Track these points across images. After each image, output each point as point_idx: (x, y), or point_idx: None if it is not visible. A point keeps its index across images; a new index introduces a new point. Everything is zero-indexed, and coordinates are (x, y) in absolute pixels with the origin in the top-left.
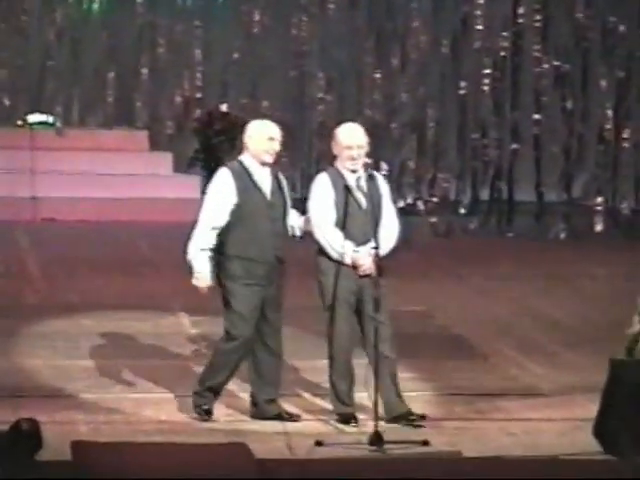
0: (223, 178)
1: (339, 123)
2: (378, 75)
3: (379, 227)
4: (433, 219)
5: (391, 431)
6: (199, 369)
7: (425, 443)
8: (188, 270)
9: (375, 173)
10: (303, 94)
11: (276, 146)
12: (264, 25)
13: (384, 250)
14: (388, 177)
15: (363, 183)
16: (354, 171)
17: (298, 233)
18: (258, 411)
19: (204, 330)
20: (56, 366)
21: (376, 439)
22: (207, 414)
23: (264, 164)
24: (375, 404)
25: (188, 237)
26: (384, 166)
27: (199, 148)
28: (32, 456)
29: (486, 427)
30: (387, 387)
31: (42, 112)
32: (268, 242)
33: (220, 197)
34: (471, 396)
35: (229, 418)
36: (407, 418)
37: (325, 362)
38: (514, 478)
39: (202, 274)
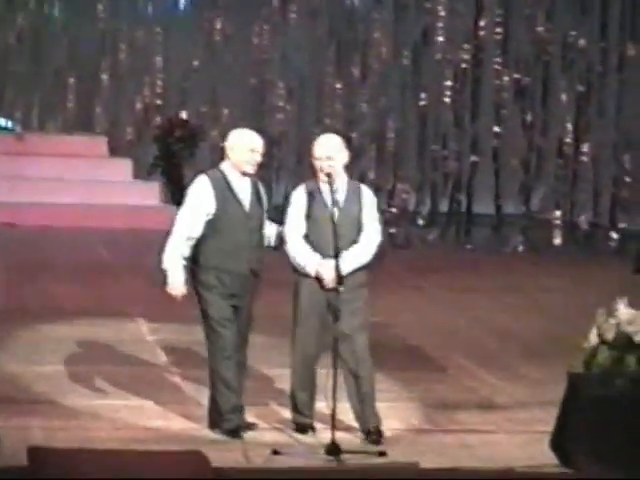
0: (201, 186)
1: (300, 132)
2: (339, 85)
3: (350, 240)
4: (392, 230)
5: (349, 441)
6: (156, 376)
7: (382, 454)
8: (162, 279)
9: (361, 186)
10: (263, 102)
11: (258, 157)
12: (225, 33)
13: (349, 264)
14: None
15: (340, 195)
16: (329, 183)
17: (273, 243)
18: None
19: (162, 336)
20: (13, 372)
21: (333, 449)
22: (241, 429)
23: (245, 174)
24: (332, 413)
25: (151, 244)
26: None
27: (159, 155)
28: None
29: (443, 439)
30: (351, 398)
31: (2, 117)
32: (244, 254)
33: (197, 205)
34: (428, 407)
35: (186, 426)
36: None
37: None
38: None
39: (176, 283)
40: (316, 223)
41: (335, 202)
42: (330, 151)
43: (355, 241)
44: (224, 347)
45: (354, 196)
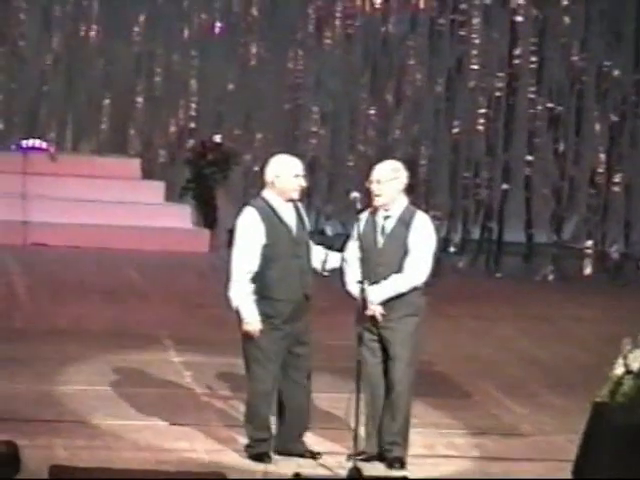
0: (251, 218)
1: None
2: (372, 111)
3: (395, 267)
4: None
5: (370, 466)
6: (181, 398)
7: (405, 479)
8: (236, 317)
9: (417, 212)
10: (297, 127)
11: (302, 182)
12: (260, 57)
13: (383, 291)
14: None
15: (391, 221)
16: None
17: (321, 268)
18: (282, 445)
19: (189, 359)
20: (38, 391)
21: (355, 474)
22: (266, 457)
23: (288, 200)
24: (355, 438)
25: (182, 267)
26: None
27: (191, 178)
28: (10, 479)
29: (465, 465)
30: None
31: (36, 137)
32: (296, 280)
33: (251, 237)
34: (452, 434)
35: (210, 448)
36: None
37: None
38: None
39: (252, 319)
40: (363, 249)
41: (381, 228)
42: (379, 175)
43: (401, 268)
44: (266, 380)
45: (405, 222)
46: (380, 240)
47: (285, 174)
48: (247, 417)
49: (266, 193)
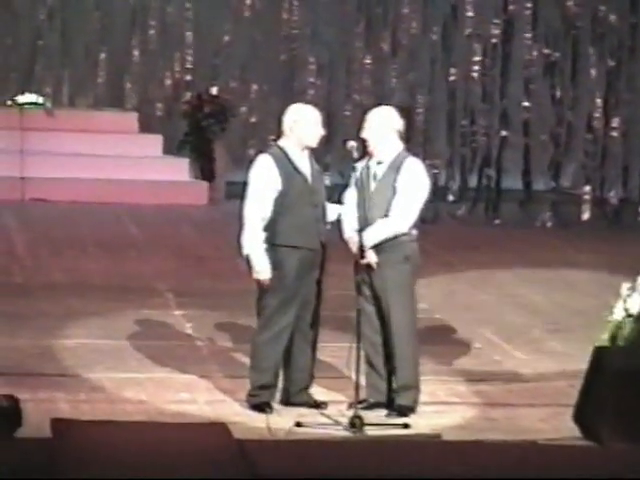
0: (265, 165)
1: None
2: (368, 60)
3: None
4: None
5: (372, 413)
6: (182, 350)
7: (405, 426)
8: (246, 265)
9: (408, 158)
10: (293, 78)
11: (321, 130)
12: (255, 8)
13: (372, 237)
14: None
15: (382, 167)
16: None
17: (326, 221)
18: (286, 397)
19: (189, 311)
20: (39, 345)
21: (356, 421)
22: (267, 406)
23: (305, 149)
24: (356, 387)
25: (181, 219)
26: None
27: (189, 131)
28: (11, 433)
29: (467, 412)
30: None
31: (32, 93)
32: (313, 229)
33: (264, 185)
34: (453, 380)
35: (211, 398)
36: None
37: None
38: (493, 462)
39: (262, 268)
40: (358, 195)
41: (374, 174)
42: (369, 120)
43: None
44: (277, 327)
45: (395, 167)
46: (372, 185)
47: (303, 121)
48: (253, 363)
49: (282, 141)
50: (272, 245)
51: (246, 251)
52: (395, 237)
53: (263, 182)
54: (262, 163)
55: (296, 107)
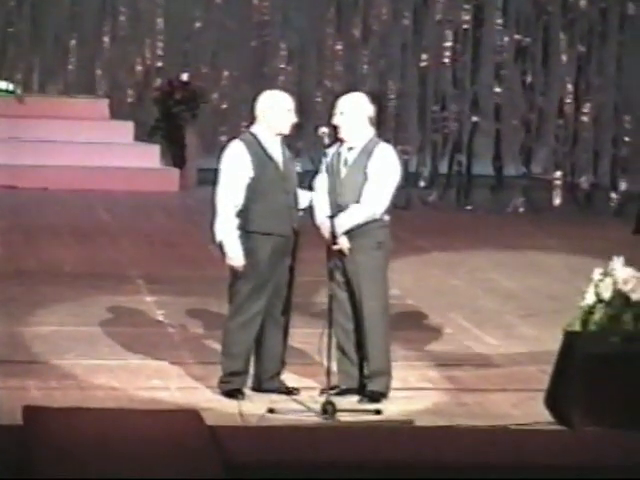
0: (237, 151)
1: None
2: (339, 46)
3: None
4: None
5: (344, 399)
6: (154, 337)
7: (378, 412)
8: (219, 251)
9: (379, 144)
10: (264, 64)
11: (294, 117)
12: None
13: (343, 223)
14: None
15: (353, 153)
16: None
17: (299, 208)
18: (258, 383)
19: (160, 298)
20: (10, 332)
21: (328, 407)
22: (239, 393)
23: (278, 135)
24: (328, 373)
25: (152, 206)
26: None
27: (160, 117)
28: None
29: (439, 397)
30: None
31: (2, 79)
32: (285, 215)
33: (237, 172)
34: (425, 366)
35: (183, 385)
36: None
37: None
38: (465, 447)
39: (236, 254)
40: (329, 181)
41: (344, 160)
42: (341, 106)
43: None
44: (248, 313)
45: (367, 153)
46: (343, 171)
47: (276, 108)
48: (224, 349)
49: (255, 128)
50: (245, 232)
51: (219, 238)
52: (367, 223)
53: (235, 168)
54: (234, 149)
55: (269, 94)
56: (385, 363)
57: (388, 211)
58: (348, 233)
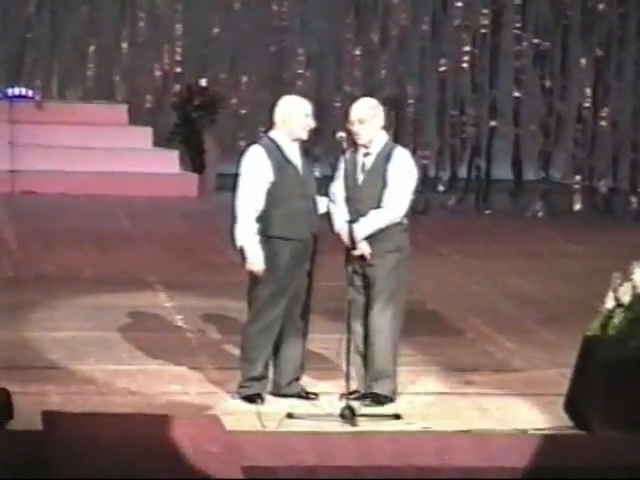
0: (257, 156)
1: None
2: (358, 51)
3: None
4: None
5: (363, 404)
6: (173, 342)
7: (397, 417)
8: (240, 256)
9: (396, 149)
10: (282, 70)
11: (312, 122)
12: (244, 0)
13: (363, 229)
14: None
15: (370, 159)
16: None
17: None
18: (277, 388)
19: (180, 303)
20: (30, 338)
21: (348, 412)
22: (259, 398)
23: (296, 140)
24: (347, 377)
25: (171, 212)
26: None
27: (178, 122)
28: (2, 426)
29: (458, 402)
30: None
31: (21, 85)
32: (304, 221)
33: (257, 177)
34: (444, 371)
35: (203, 390)
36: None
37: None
38: (484, 452)
39: (256, 259)
40: (346, 187)
41: (362, 165)
42: (359, 114)
43: (380, 204)
44: (267, 318)
45: (384, 158)
46: (360, 177)
47: (296, 113)
48: (243, 354)
49: (274, 133)
50: (264, 237)
51: (240, 243)
52: (387, 227)
53: (255, 173)
54: (254, 154)
55: (288, 99)
56: (389, 366)
57: (407, 214)
58: (367, 238)
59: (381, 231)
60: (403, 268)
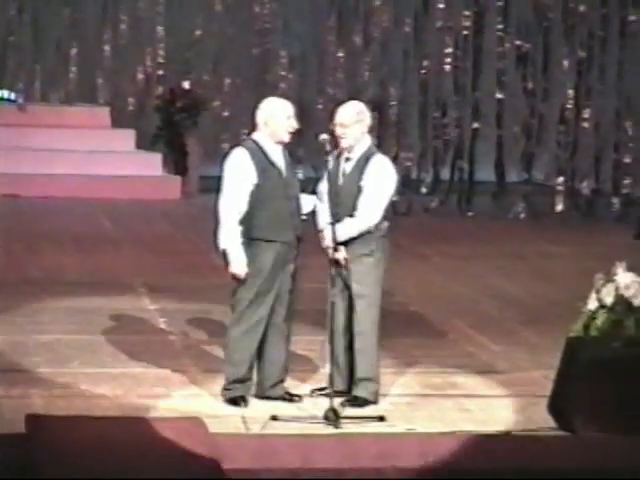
0: (240, 158)
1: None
2: (340, 54)
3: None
4: (394, 198)
5: (347, 407)
6: (157, 345)
7: (381, 419)
8: (222, 259)
9: (375, 155)
10: (265, 72)
11: (294, 124)
12: (226, 2)
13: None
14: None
15: (350, 163)
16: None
17: (303, 213)
18: (261, 391)
19: (163, 306)
20: (14, 341)
21: (332, 414)
22: (242, 400)
23: (279, 142)
24: (330, 380)
25: (154, 214)
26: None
27: (161, 125)
28: None
29: (442, 403)
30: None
31: (4, 88)
32: (288, 222)
33: (240, 179)
34: (428, 372)
35: (187, 393)
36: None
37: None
38: (468, 453)
39: (240, 262)
40: (329, 188)
41: (342, 170)
42: (344, 118)
43: (355, 209)
44: (251, 320)
45: (362, 164)
46: (341, 180)
47: (278, 115)
48: (227, 356)
49: (256, 135)
50: (248, 239)
51: (223, 245)
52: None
53: (239, 176)
54: (237, 156)
55: (270, 101)
56: (372, 370)
57: (388, 219)
58: (343, 243)
59: (357, 236)
60: (378, 271)
